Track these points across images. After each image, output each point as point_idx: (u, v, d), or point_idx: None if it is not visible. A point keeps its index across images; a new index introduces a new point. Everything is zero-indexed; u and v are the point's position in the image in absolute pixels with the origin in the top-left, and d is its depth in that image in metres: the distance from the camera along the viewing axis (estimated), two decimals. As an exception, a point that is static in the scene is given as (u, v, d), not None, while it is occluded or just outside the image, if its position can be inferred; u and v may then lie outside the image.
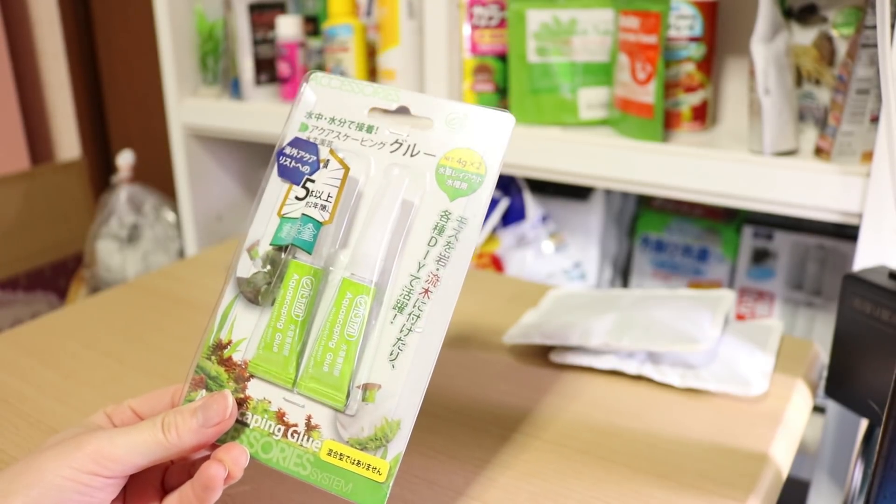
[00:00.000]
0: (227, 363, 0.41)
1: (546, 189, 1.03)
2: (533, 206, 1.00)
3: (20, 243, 1.56)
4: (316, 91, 0.44)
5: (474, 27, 0.88)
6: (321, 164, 0.42)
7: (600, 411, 0.56)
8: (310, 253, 0.41)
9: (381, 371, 0.39)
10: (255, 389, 0.40)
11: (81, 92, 1.68)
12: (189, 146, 1.18)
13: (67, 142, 1.74)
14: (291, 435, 0.39)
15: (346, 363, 0.39)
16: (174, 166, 1.20)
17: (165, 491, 0.41)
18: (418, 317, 0.39)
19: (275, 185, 0.43)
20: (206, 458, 0.38)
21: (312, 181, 0.42)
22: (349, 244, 0.41)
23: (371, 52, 1.00)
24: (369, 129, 0.43)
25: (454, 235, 0.40)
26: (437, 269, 0.39)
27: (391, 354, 0.39)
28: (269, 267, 0.42)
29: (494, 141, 0.40)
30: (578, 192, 1.01)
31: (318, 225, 0.41)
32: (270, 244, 0.42)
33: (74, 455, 0.36)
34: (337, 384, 0.39)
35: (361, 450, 0.38)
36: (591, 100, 0.87)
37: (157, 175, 1.54)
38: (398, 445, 0.38)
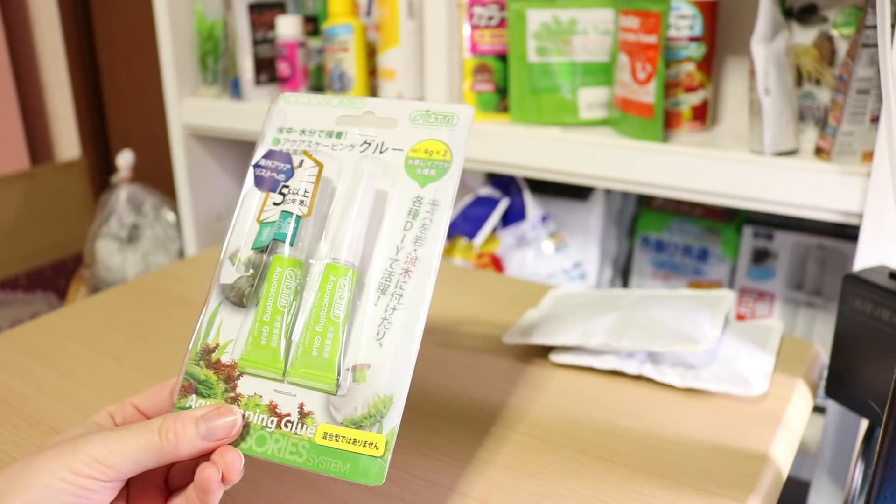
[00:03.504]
0: (215, 366, 0.41)
1: (546, 189, 1.03)
2: (533, 206, 1.00)
3: (20, 243, 1.56)
4: (286, 109, 0.47)
5: (474, 27, 0.88)
6: (295, 170, 0.44)
7: (600, 411, 0.56)
8: (291, 245, 0.42)
9: (369, 350, 0.40)
10: (245, 386, 0.40)
11: (81, 92, 1.68)
12: (189, 146, 1.18)
13: (67, 142, 1.74)
14: (285, 425, 0.39)
15: (333, 344, 0.40)
16: (174, 166, 1.20)
17: (170, 490, 0.41)
18: (401, 295, 0.40)
19: (252, 195, 0.45)
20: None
21: (287, 186, 0.44)
22: (328, 235, 0.43)
23: (371, 52, 1.00)
24: (338, 135, 0.45)
25: (428, 217, 0.41)
26: (415, 250, 0.41)
27: (377, 334, 0.40)
28: (251, 270, 0.43)
29: (457, 131, 0.43)
30: (578, 192, 1.01)
31: (298, 218, 0.42)
32: (252, 248, 0.43)
33: (71, 458, 0.36)
34: (326, 366, 0.39)
35: (357, 428, 0.38)
36: (591, 100, 0.87)
37: (156, 175, 1.54)
38: (393, 419, 0.38)
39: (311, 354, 0.40)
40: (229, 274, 0.43)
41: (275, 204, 0.44)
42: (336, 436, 0.38)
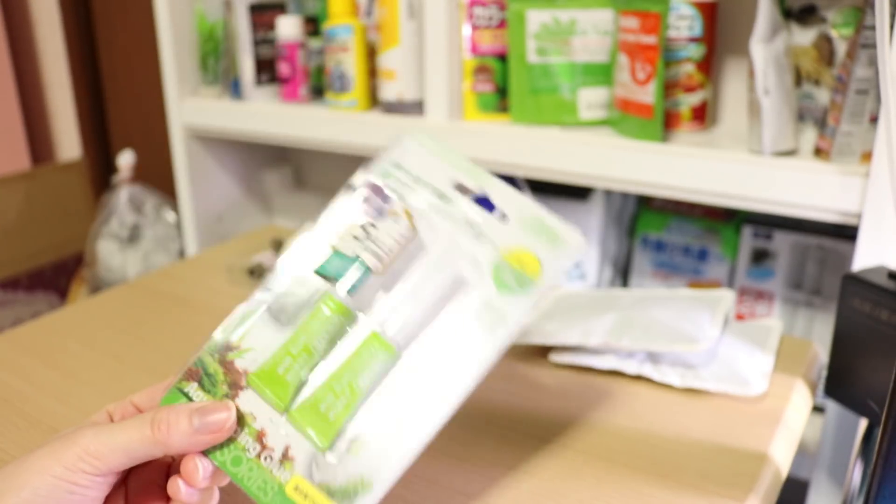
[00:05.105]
0: (227, 365, 0.41)
1: (546, 189, 1.03)
2: (533, 206, 1.00)
3: (21, 243, 1.57)
4: (411, 147, 0.45)
5: (474, 27, 0.89)
6: (389, 215, 0.43)
7: (600, 411, 0.56)
8: (350, 293, 0.41)
9: (375, 429, 0.39)
10: (246, 400, 0.40)
11: (82, 92, 1.68)
12: (189, 146, 1.19)
13: (68, 142, 1.74)
14: (265, 459, 0.39)
15: (344, 410, 0.39)
16: (174, 166, 1.21)
17: None
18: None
19: (338, 212, 0.44)
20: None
21: (374, 227, 0.43)
22: (390, 293, 0.41)
23: (371, 53, 1.00)
24: (444, 199, 0.43)
25: (490, 328, 0.40)
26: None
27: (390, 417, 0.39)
28: (303, 291, 0.42)
29: (559, 256, 0.40)
30: (578, 192, 1.01)
31: (369, 272, 0.42)
32: (314, 271, 0.42)
33: (65, 453, 0.36)
34: (328, 427, 0.39)
35: (328, 496, 0.38)
36: (591, 100, 0.87)
37: (157, 175, 1.55)
38: None
39: (319, 409, 0.39)
40: (282, 283, 0.42)
41: (354, 237, 0.43)
42: (306, 495, 0.38)
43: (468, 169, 0.44)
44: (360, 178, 0.44)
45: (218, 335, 0.41)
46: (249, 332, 0.41)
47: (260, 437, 0.39)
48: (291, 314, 0.41)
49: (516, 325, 0.39)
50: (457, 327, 0.40)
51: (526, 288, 0.40)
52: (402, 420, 0.39)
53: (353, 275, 0.41)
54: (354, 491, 0.38)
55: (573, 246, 0.41)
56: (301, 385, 0.40)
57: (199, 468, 0.38)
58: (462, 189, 0.43)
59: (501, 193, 0.43)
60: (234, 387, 0.40)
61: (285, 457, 0.39)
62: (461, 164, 0.44)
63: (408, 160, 0.45)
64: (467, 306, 0.40)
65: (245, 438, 0.39)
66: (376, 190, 0.44)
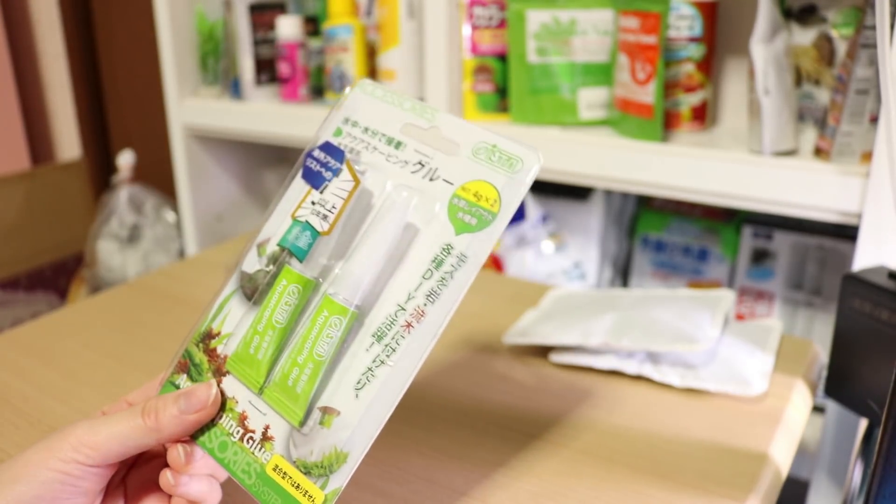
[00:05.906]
0: (211, 353, 0.41)
1: (546, 189, 1.03)
2: (533, 206, 1.00)
3: (21, 243, 1.57)
4: (359, 98, 0.44)
5: (474, 27, 0.89)
6: (342, 174, 0.41)
7: (600, 411, 0.56)
8: (301, 261, 0.40)
9: (344, 398, 0.38)
10: (228, 385, 0.40)
11: (82, 92, 1.68)
12: (189, 146, 1.19)
13: (68, 142, 1.74)
14: (247, 441, 0.39)
15: (309, 382, 0.38)
16: (174, 166, 1.21)
17: None
18: (394, 350, 0.38)
19: (297, 186, 0.43)
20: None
21: (328, 187, 0.41)
22: (346, 258, 0.40)
23: (371, 53, 1.00)
24: (397, 145, 0.42)
25: (450, 273, 0.38)
26: (425, 305, 0.38)
27: (358, 383, 0.38)
28: (272, 266, 0.41)
29: (515, 179, 0.38)
30: (578, 192, 1.01)
31: (316, 234, 0.40)
32: (277, 244, 0.41)
33: (59, 445, 0.36)
34: (297, 401, 0.39)
35: (305, 473, 0.38)
36: (591, 100, 0.87)
37: (157, 175, 1.54)
38: (339, 479, 0.37)
39: (287, 383, 0.39)
40: (252, 263, 0.42)
41: (312, 203, 0.41)
42: (285, 473, 0.38)
43: (417, 108, 0.42)
44: (315, 138, 0.43)
45: (202, 325, 0.42)
46: (227, 317, 0.42)
47: (242, 419, 0.40)
48: (263, 292, 0.41)
49: (480, 263, 0.38)
50: (415, 278, 0.38)
51: (484, 222, 0.38)
52: (372, 382, 0.38)
53: (302, 241, 0.40)
54: (330, 464, 0.37)
55: (530, 160, 0.38)
56: (273, 362, 0.40)
57: (181, 453, 0.39)
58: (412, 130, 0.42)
59: (452, 125, 0.40)
60: (218, 373, 0.41)
61: (265, 437, 0.39)
62: (409, 104, 0.42)
63: (358, 113, 0.43)
64: (424, 253, 0.39)
65: (229, 423, 0.40)
66: (330, 149, 0.42)
